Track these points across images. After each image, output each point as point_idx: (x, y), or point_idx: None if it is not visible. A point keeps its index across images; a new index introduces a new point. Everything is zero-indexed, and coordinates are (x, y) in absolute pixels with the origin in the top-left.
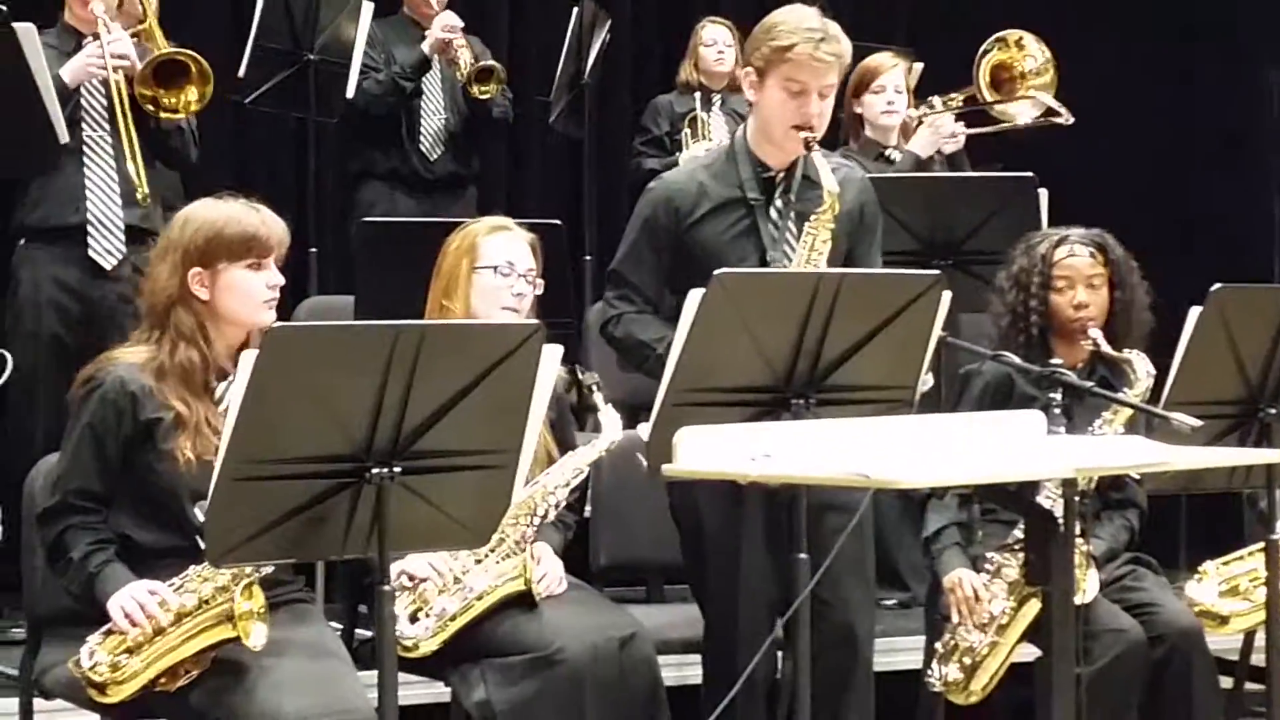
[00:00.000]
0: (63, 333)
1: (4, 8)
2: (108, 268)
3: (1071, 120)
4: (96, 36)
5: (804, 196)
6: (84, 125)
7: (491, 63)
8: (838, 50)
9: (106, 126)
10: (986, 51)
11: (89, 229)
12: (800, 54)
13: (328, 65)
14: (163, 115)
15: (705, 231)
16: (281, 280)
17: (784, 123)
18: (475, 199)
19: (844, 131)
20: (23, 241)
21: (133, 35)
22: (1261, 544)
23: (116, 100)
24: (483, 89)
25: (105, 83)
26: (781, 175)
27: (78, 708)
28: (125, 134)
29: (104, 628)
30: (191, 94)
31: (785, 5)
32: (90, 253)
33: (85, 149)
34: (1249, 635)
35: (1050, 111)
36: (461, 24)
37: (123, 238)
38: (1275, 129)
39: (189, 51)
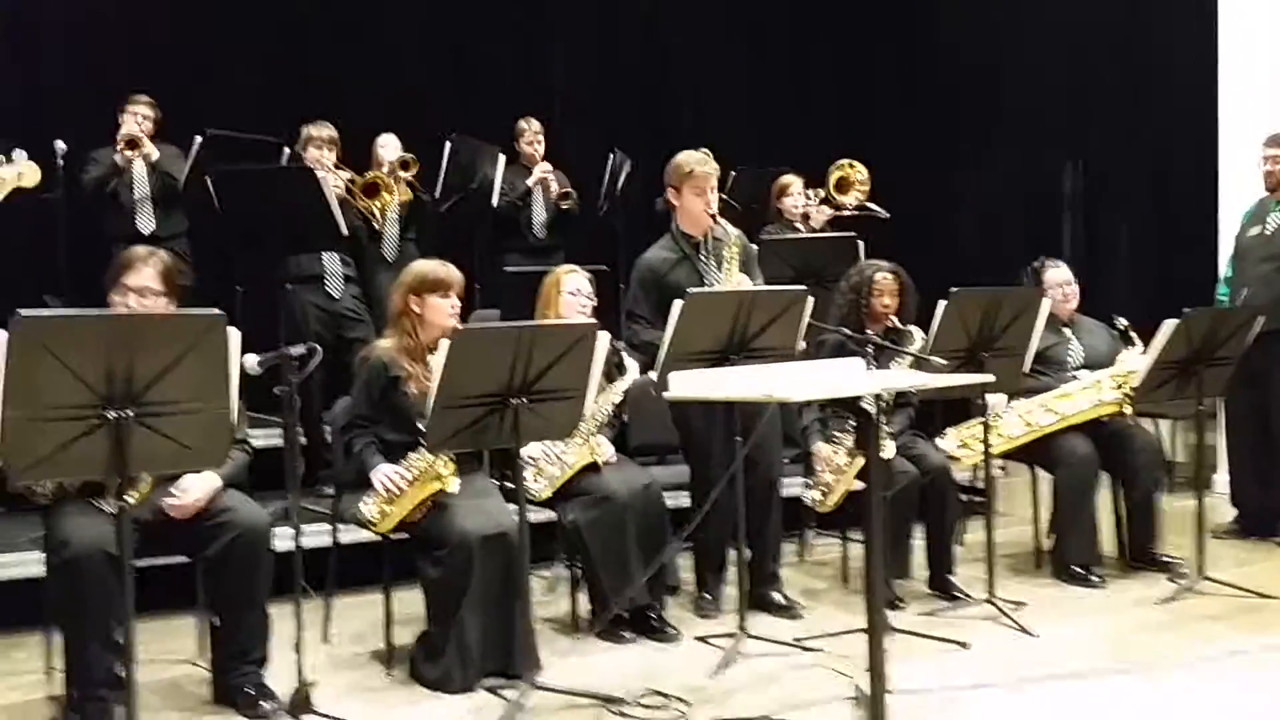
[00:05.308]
0: (322, 331)
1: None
2: (336, 297)
3: (887, 215)
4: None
5: (714, 247)
6: None
7: (569, 190)
8: (715, 168)
9: None
10: (837, 168)
11: (325, 277)
12: (697, 173)
13: (481, 190)
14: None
15: (670, 277)
16: (459, 303)
17: (699, 210)
18: (562, 258)
19: (770, 215)
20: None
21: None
22: (979, 419)
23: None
24: (564, 202)
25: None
26: (699, 239)
27: (360, 529)
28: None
29: (370, 491)
30: (386, 198)
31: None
32: (326, 288)
33: None
34: (975, 467)
35: (862, 207)
36: (551, 168)
37: (342, 282)
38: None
39: (381, 175)
